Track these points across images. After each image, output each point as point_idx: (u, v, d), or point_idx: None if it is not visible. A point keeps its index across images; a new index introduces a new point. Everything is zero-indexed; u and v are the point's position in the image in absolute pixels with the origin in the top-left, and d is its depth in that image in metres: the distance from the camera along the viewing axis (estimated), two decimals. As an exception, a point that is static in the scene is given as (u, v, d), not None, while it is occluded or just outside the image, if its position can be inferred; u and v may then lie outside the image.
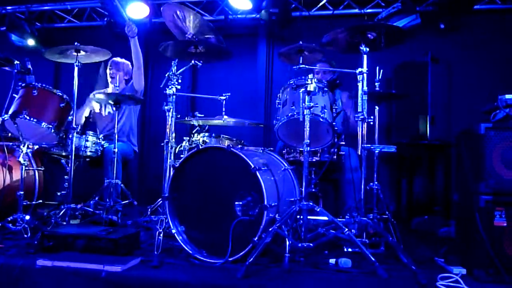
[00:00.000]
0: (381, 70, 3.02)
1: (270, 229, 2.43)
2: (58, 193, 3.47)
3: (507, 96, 2.41)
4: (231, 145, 2.63)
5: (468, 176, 2.40)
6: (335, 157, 3.12)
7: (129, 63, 4.32)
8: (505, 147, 2.29)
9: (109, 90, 4.25)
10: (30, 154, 3.20)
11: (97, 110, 4.27)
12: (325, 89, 2.83)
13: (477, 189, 2.30)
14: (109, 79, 4.27)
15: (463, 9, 4.18)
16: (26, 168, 3.06)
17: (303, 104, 2.62)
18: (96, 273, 2.17)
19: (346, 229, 2.46)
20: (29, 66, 3.27)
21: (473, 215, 2.28)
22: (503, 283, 2.11)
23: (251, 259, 2.27)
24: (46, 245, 2.53)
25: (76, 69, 3.34)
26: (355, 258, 2.50)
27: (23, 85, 3.11)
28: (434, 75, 4.05)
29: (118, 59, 4.27)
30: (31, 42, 5.32)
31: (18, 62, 3.26)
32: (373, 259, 2.30)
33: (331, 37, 2.86)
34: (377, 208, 2.92)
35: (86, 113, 4.13)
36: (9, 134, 3.34)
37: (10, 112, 2.99)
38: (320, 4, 5.03)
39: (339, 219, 2.68)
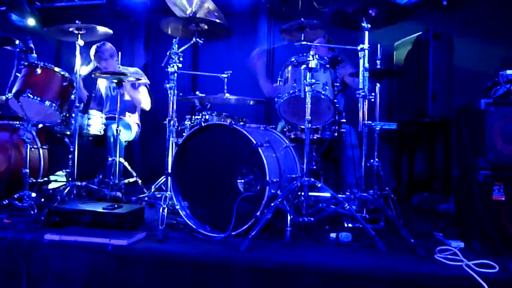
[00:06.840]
0: (381, 48, 3.00)
1: (272, 204, 2.47)
2: (63, 171, 3.51)
3: (508, 72, 2.43)
4: (233, 122, 2.66)
5: (468, 151, 2.42)
6: (336, 134, 3.12)
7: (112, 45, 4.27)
8: (505, 123, 2.31)
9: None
10: (34, 133, 3.22)
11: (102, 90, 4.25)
12: (327, 66, 2.83)
13: (477, 164, 2.33)
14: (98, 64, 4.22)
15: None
16: (31, 146, 3.09)
17: (305, 81, 2.63)
18: (102, 247, 2.23)
19: (347, 204, 2.51)
20: (31, 45, 3.28)
21: (472, 189, 2.32)
22: (499, 255, 2.15)
23: (254, 232, 2.32)
24: (53, 221, 2.59)
25: (78, 47, 3.34)
26: (355, 233, 2.55)
27: (25, 64, 3.12)
28: (436, 52, 4.01)
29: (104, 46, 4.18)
30: (31, 21, 5.28)
31: (20, 42, 3.26)
32: (373, 233, 2.36)
33: (333, 13, 2.85)
34: (377, 185, 2.95)
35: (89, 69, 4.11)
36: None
37: (14, 90, 3.01)
38: (322, -20, 4.96)
39: (339, 195, 2.72)
